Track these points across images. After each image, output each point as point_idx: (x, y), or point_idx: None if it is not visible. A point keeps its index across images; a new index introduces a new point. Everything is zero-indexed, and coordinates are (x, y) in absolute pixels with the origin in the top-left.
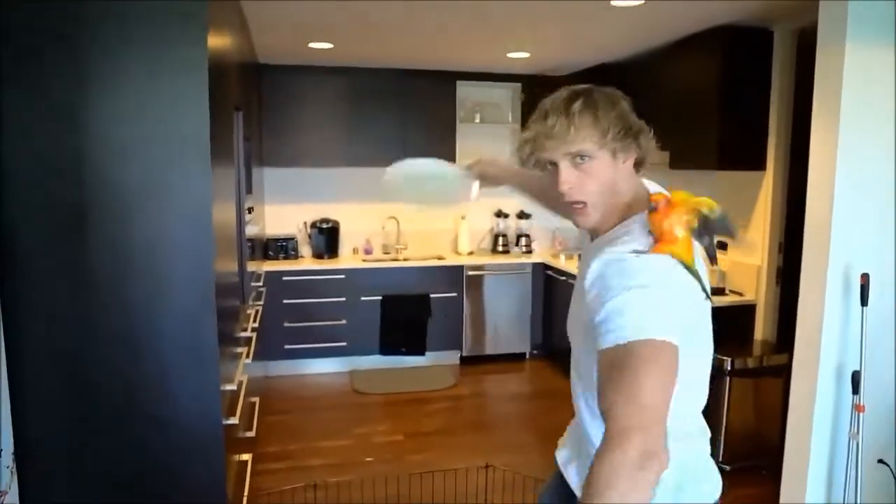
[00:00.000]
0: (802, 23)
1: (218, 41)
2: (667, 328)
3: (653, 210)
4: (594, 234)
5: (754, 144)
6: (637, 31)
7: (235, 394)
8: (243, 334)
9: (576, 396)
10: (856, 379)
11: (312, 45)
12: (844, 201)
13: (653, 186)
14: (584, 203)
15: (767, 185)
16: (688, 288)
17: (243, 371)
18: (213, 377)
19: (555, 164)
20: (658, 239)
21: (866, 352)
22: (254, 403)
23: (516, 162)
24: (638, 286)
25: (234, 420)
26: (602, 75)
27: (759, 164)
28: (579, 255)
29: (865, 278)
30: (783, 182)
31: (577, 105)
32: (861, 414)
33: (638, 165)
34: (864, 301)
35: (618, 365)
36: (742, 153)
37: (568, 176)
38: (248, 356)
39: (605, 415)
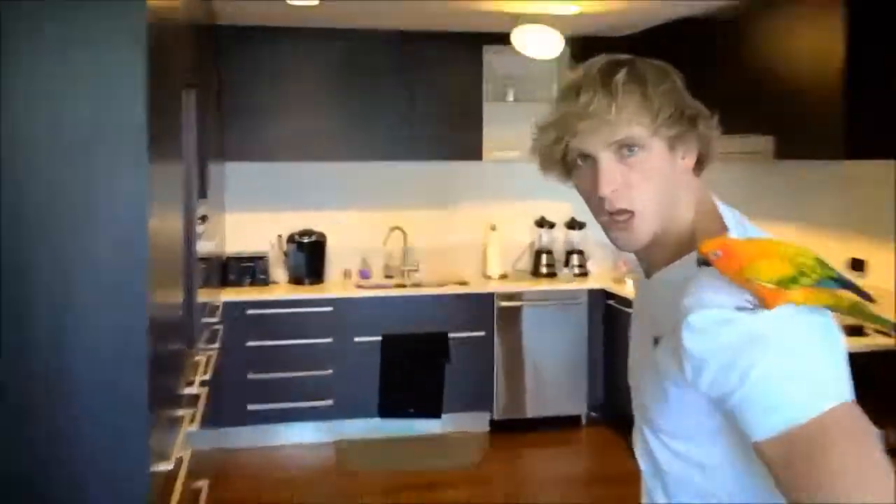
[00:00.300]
0: None
1: None
2: (838, 386)
3: (710, 261)
4: (646, 263)
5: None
6: None
7: (171, 475)
8: (188, 391)
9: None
10: None
11: (292, 1)
12: None
13: (727, 212)
14: (632, 213)
15: None
16: (831, 331)
17: (185, 443)
18: (139, 454)
19: (586, 159)
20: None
21: None
22: (199, 491)
23: (533, 159)
24: (777, 352)
25: None
26: (678, 36)
27: None
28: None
29: None
30: None
31: (620, 76)
32: None
33: (699, 166)
34: None
35: (803, 455)
36: (881, 135)
37: (611, 174)
38: (193, 422)
39: None
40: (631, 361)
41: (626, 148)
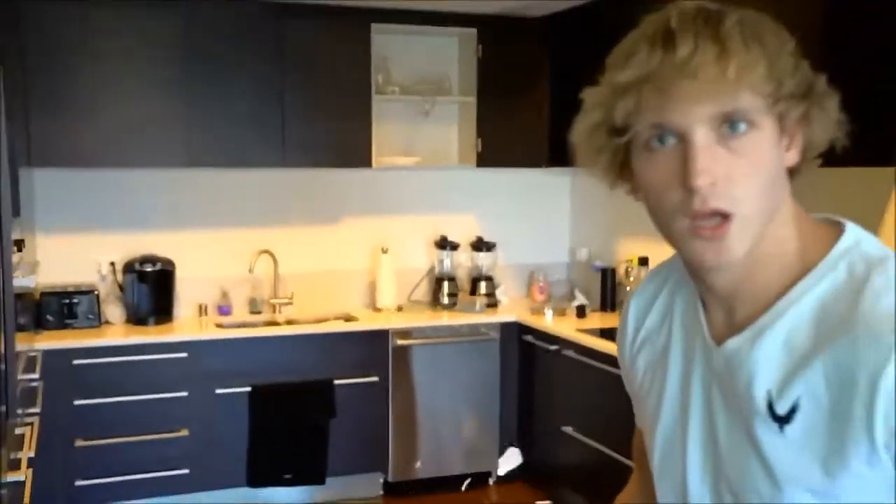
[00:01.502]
0: None
1: None
2: None
3: None
4: (725, 308)
5: (889, 127)
6: None
7: None
8: (13, 478)
9: None
10: None
11: None
12: None
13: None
14: (729, 216)
15: None
16: None
17: None
18: None
19: (665, 138)
20: None
21: None
22: None
23: (581, 138)
24: None
25: None
26: (607, 17)
27: (893, 157)
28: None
29: None
30: None
31: (731, 24)
32: None
33: (795, 168)
34: None
35: None
36: (877, 141)
37: (709, 159)
38: None
39: None
40: (676, 447)
41: (731, 124)
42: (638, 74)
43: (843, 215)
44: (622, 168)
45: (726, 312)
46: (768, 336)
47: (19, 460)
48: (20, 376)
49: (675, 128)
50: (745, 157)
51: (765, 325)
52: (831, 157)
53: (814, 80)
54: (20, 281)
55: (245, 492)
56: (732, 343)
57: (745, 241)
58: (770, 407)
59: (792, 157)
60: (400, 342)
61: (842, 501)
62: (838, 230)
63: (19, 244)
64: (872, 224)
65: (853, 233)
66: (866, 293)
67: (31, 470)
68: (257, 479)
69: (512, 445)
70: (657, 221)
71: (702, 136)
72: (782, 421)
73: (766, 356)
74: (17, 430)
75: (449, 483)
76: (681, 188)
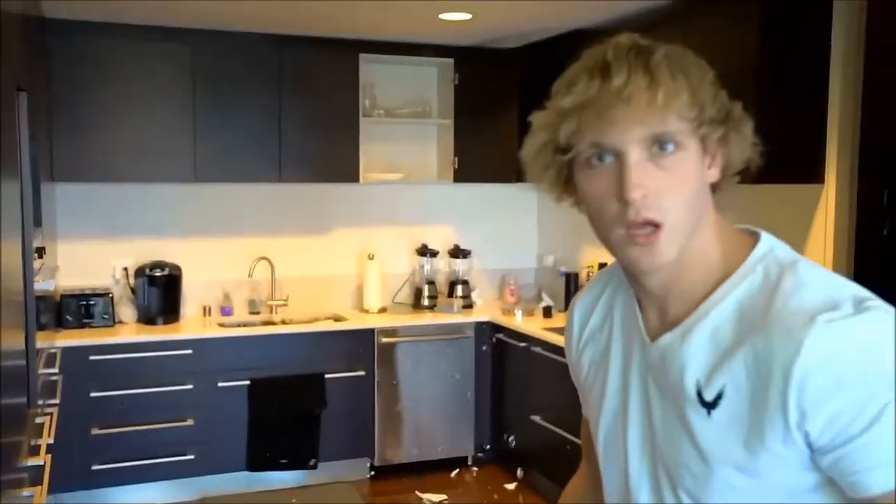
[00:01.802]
0: None
1: None
2: None
3: None
4: (656, 308)
5: (808, 148)
6: None
7: None
8: (32, 462)
9: None
10: None
11: None
12: None
13: (766, 238)
14: (659, 225)
15: (827, 204)
16: None
17: None
18: None
19: (604, 157)
20: None
21: None
22: None
23: (528, 158)
24: None
25: None
26: (569, 48)
27: (815, 175)
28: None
29: None
30: (850, 199)
31: (660, 57)
32: None
33: (717, 185)
34: None
35: None
36: (791, 160)
37: (641, 175)
38: (41, 498)
39: None
40: (618, 434)
41: (660, 144)
42: (579, 100)
43: (773, 228)
44: (566, 183)
45: (660, 312)
46: (696, 332)
47: (39, 446)
48: (41, 370)
49: (611, 147)
50: (672, 174)
51: (693, 323)
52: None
53: (731, 106)
54: (41, 285)
55: (244, 475)
56: (665, 339)
57: (673, 247)
58: (699, 394)
59: (714, 175)
60: (384, 340)
61: (763, 476)
62: (755, 238)
63: (40, 251)
64: (801, 234)
65: (767, 240)
66: (779, 293)
67: (49, 455)
68: (255, 463)
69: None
70: (597, 230)
71: (635, 155)
72: (710, 406)
73: (695, 350)
74: (38, 420)
75: (431, 466)
76: (617, 201)
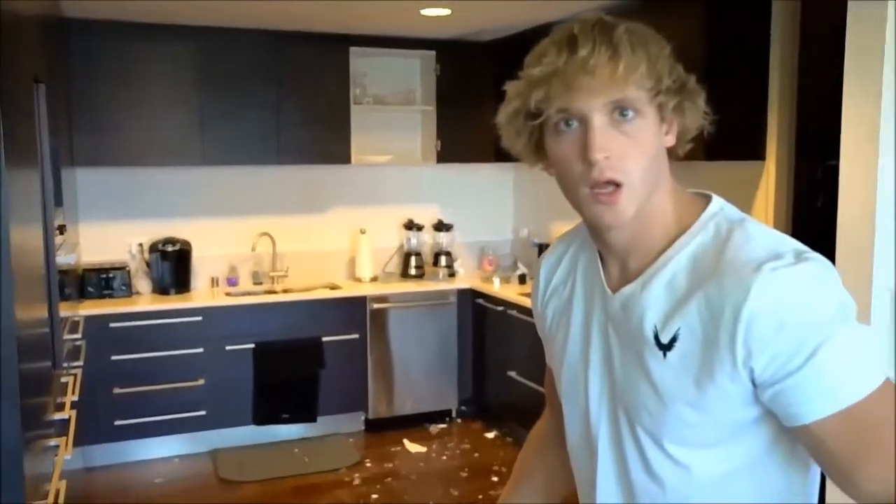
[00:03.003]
0: None
1: None
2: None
3: None
4: (618, 263)
5: (752, 129)
6: None
7: None
8: (58, 416)
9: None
10: None
11: None
12: (890, 201)
13: (709, 198)
14: (620, 184)
15: (768, 180)
16: None
17: (61, 475)
18: (13, 496)
19: (570, 123)
20: None
21: None
22: None
23: (502, 124)
24: (846, 327)
25: None
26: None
27: (758, 153)
28: (532, 282)
29: None
30: (788, 175)
31: (621, 32)
32: None
33: (673, 150)
34: None
35: (870, 425)
36: (737, 140)
37: (604, 138)
38: (67, 449)
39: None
40: (579, 378)
41: (621, 111)
42: (548, 70)
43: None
44: (537, 148)
45: (621, 266)
46: (654, 282)
47: (64, 403)
48: (66, 337)
49: (577, 113)
50: (632, 138)
51: (652, 274)
52: (713, 153)
53: (686, 79)
54: (63, 259)
55: (251, 429)
56: (627, 289)
57: (633, 205)
58: (656, 338)
59: (670, 140)
60: (376, 306)
61: (712, 412)
62: (706, 200)
63: (62, 228)
64: (746, 207)
65: (718, 201)
66: (729, 246)
67: (74, 411)
68: (261, 418)
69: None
70: (565, 190)
71: (598, 120)
72: (665, 349)
73: (653, 298)
74: (63, 379)
75: (419, 419)
76: (582, 162)
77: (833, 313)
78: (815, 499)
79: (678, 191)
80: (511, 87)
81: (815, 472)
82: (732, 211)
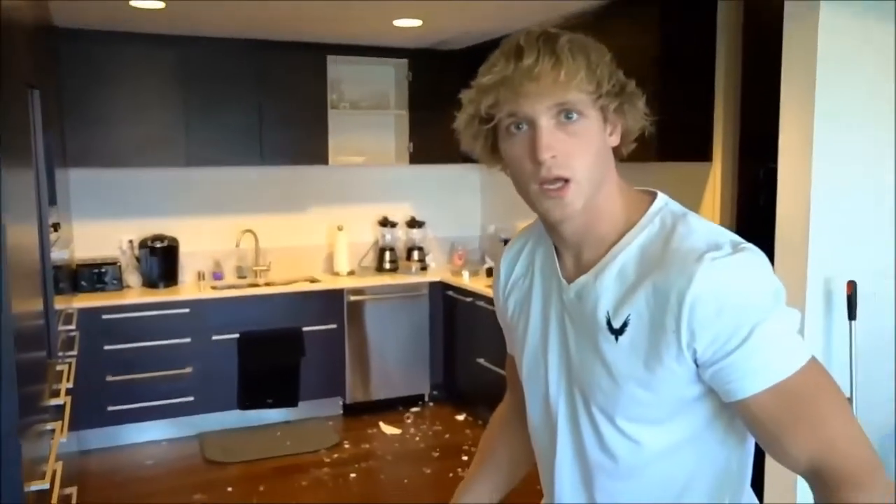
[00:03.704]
0: None
1: None
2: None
3: None
4: (573, 255)
5: (699, 131)
6: None
7: (45, 495)
8: (54, 402)
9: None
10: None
11: (136, 3)
12: (823, 200)
13: (652, 194)
14: (567, 180)
15: (715, 179)
16: None
17: (57, 457)
18: (11, 475)
19: (520, 126)
20: None
21: (858, 381)
22: (69, 497)
23: (460, 129)
24: (778, 309)
25: None
26: None
27: (705, 155)
28: (494, 275)
29: (852, 287)
30: (733, 175)
31: (564, 42)
32: None
33: (618, 150)
34: (851, 314)
35: (802, 398)
36: (686, 141)
37: (551, 139)
38: (63, 433)
39: (825, 457)
40: (539, 363)
41: (566, 113)
42: (496, 78)
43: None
44: (493, 150)
45: (575, 258)
46: (606, 272)
47: (59, 390)
48: (61, 328)
49: (525, 117)
50: (577, 138)
51: (603, 265)
52: (665, 155)
53: (626, 83)
54: (57, 254)
55: (236, 413)
56: (581, 279)
57: (580, 199)
58: (609, 323)
59: (614, 140)
60: (353, 298)
61: (659, 390)
62: (652, 196)
63: (56, 226)
64: (695, 205)
65: (662, 198)
66: (674, 238)
67: (69, 397)
68: (245, 403)
69: None
70: (518, 188)
71: (545, 122)
72: (617, 333)
73: (605, 287)
74: (58, 368)
75: (393, 403)
76: (531, 161)
77: (766, 299)
78: (750, 468)
79: (625, 188)
80: (465, 95)
81: (751, 443)
82: (676, 206)
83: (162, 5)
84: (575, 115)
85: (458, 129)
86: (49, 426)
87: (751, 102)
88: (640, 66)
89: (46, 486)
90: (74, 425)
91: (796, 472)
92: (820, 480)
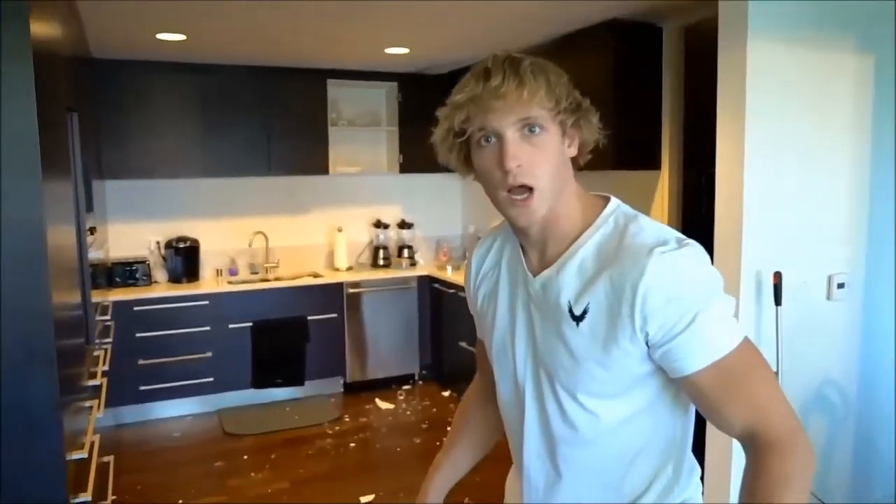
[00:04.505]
0: (690, 20)
1: (43, 27)
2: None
3: None
4: (538, 253)
5: (649, 144)
6: (526, 25)
7: (85, 462)
8: (91, 383)
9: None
10: None
11: (161, 36)
12: (754, 201)
13: (610, 199)
14: (532, 189)
15: (664, 185)
16: None
17: (94, 430)
18: (53, 446)
19: (489, 139)
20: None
21: (783, 358)
22: (107, 465)
23: (437, 142)
24: (718, 295)
25: (85, 497)
26: None
27: (655, 164)
28: (474, 272)
29: (778, 277)
30: (678, 182)
31: (526, 65)
32: None
33: (576, 160)
34: (777, 300)
35: (739, 375)
36: (638, 152)
37: (516, 150)
38: (99, 409)
39: (756, 423)
40: (508, 347)
41: (529, 127)
42: (467, 97)
43: (627, 204)
44: (467, 161)
45: (540, 254)
46: (568, 267)
47: (96, 372)
48: (98, 318)
49: (493, 130)
50: (540, 149)
51: (565, 260)
52: (619, 164)
53: (582, 101)
54: (93, 254)
55: (250, 392)
56: (546, 273)
57: (543, 206)
58: (570, 311)
59: (572, 151)
60: (351, 291)
61: (614, 369)
62: (606, 200)
63: (92, 230)
64: (646, 209)
65: (615, 201)
66: (626, 236)
67: (105, 379)
68: (258, 383)
69: None
70: (488, 194)
71: (511, 135)
72: (578, 320)
73: (567, 279)
74: (95, 353)
75: (387, 382)
76: (499, 170)
77: (706, 288)
78: (691, 435)
79: (582, 193)
80: (440, 112)
81: (692, 413)
82: (627, 209)
83: (184, 38)
84: (537, 129)
85: (435, 143)
86: (87, 403)
87: (693, 118)
88: (597, 87)
89: (85, 455)
90: (111, 403)
91: (732, 436)
92: (752, 443)
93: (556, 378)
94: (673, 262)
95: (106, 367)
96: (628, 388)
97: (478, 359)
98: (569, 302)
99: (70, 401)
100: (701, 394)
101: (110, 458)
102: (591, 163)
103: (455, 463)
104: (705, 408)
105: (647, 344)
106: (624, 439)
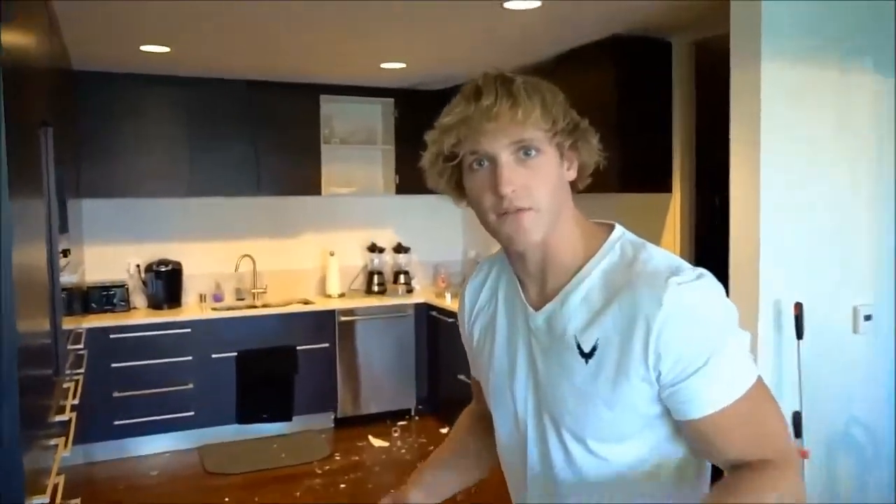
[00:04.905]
0: (699, 36)
1: (13, 37)
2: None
3: None
4: (537, 285)
5: (659, 164)
6: (526, 40)
7: None
8: (59, 418)
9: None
10: (797, 421)
11: (145, 48)
12: (771, 228)
13: (611, 227)
14: (529, 209)
15: (675, 208)
16: None
17: (59, 470)
18: (11, 489)
19: (481, 162)
20: None
21: (805, 396)
22: None
23: (426, 167)
24: (734, 334)
25: None
26: None
27: (665, 186)
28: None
29: (799, 308)
30: (690, 204)
31: (519, 84)
32: (806, 460)
33: (575, 183)
34: (799, 334)
35: (744, 418)
36: (646, 174)
37: (511, 174)
38: (66, 447)
39: (752, 456)
40: (506, 385)
41: (524, 150)
42: (457, 118)
43: (636, 228)
44: (458, 186)
45: (540, 287)
46: (572, 298)
47: (65, 406)
48: (70, 346)
49: (485, 154)
50: (536, 172)
51: (569, 292)
52: (628, 186)
53: (579, 121)
54: (66, 277)
55: (235, 427)
56: (549, 307)
57: (539, 228)
58: (578, 346)
59: (571, 175)
60: (343, 318)
61: (624, 409)
62: (609, 227)
63: (66, 252)
64: (657, 232)
65: (619, 229)
66: (637, 263)
67: (74, 413)
68: (243, 417)
69: None
70: (480, 219)
71: (505, 158)
72: (587, 356)
73: (572, 312)
74: (65, 385)
75: (382, 416)
76: (493, 194)
77: (722, 325)
78: (709, 471)
79: (582, 220)
80: (429, 135)
81: None
82: (632, 236)
83: (168, 49)
84: (533, 152)
85: (425, 168)
86: (53, 441)
87: (705, 137)
88: (601, 105)
89: (46, 500)
90: (83, 438)
91: (723, 467)
92: (741, 465)
93: (562, 423)
94: (690, 296)
95: (76, 401)
96: (639, 429)
97: (474, 390)
98: (575, 337)
99: (33, 437)
100: (703, 436)
101: (76, 502)
102: (596, 185)
103: (444, 478)
104: (702, 446)
105: (658, 382)
106: (635, 485)
